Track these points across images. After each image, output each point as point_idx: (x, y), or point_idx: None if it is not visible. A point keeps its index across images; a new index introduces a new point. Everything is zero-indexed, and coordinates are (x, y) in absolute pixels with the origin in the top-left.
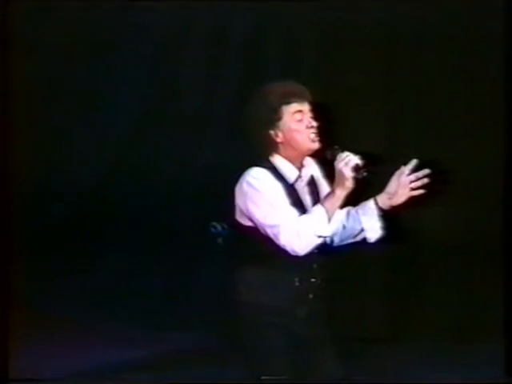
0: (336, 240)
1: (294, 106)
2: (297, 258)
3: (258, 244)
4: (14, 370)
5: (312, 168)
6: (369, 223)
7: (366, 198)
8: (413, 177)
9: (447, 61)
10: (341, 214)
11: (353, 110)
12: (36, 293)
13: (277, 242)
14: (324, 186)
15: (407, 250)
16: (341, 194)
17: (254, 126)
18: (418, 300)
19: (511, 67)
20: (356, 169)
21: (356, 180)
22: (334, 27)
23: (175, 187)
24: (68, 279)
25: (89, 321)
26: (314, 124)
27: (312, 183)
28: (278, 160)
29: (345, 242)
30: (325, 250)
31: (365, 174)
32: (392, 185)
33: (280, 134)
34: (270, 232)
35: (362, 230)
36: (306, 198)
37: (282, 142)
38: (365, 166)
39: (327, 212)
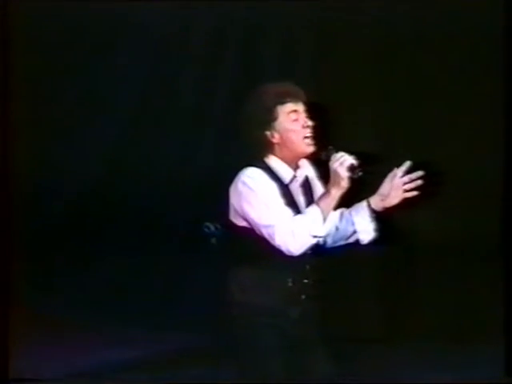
0: (329, 241)
1: (289, 106)
2: (290, 258)
3: (251, 244)
4: (14, 370)
5: (307, 169)
6: (361, 225)
7: (361, 199)
8: (406, 178)
9: (446, 61)
10: (334, 216)
11: (349, 110)
12: (36, 293)
13: (272, 242)
14: (318, 187)
15: (402, 251)
16: (336, 193)
17: (250, 126)
18: (413, 301)
19: (511, 67)
20: (351, 169)
21: (351, 180)
22: (330, 27)
23: (169, 187)
24: (68, 279)
25: (89, 321)
26: (310, 124)
27: (307, 184)
28: (273, 161)
29: (337, 244)
30: (318, 251)
31: (360, 173)
32: (385, 186)
33: (276, 135)
34: (264, 232)
35: (355, 232)
36: (301, 199)
37: (277, 143)
38: (360, 165)
39: (322, 212)
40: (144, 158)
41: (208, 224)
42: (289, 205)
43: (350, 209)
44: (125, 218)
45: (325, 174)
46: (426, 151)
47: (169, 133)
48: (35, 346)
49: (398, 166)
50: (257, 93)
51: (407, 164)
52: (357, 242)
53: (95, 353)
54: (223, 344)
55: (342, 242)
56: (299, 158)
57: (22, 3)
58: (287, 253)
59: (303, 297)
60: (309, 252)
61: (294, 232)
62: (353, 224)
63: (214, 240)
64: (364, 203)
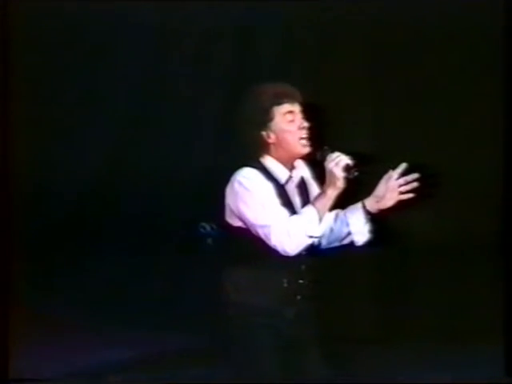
0: (323, 243)
1: (286, 107)
2: (285, 259)
3: (247, 245)
4: (14, 370)
5: (302, 169)
6: (356, 226)
7: (357, 200)
8: (402, 181)
9: (445, 61)
10: (329, 217)
11: (346, 110)
12: (36, 293)
13: (268, 242)
14: (314, 188)
15: (401, 252)
16: (332, 194)
17: (246, 126)
18: (413, 301)
19: (511, 67)
20: (347, 169)
21: (347, 180)
22: (326, 28)
23: (164, 188)
24: (68, 279)
25: (89, 321)
26: (306, 125)
27: (302, 185)
28: (268, 161)
29: (332, 245)
30: (313, 251)
31: (356, 173)
32: (380, 188)
33: (272, 135)
34: (260, 232)
35: (350, 234)
36: (297, 200)
37: (273, 143)
38: (355, 165)
39: (318, 212)
40: (141, 159)
41: (204, 224)
42: (285, 205)
43: (345, 210)
44: (124, 218)
45: (320, 175)
46: (424, 151)
47: (164, 133)
48: (35, 346)
49: (395, 166)
50: (253, 93)
51: (403, 166)
52: (351, 243)
53: (95, 353)
54: (219, 344)
55: (337, 244)
56: (295, 158)
57: (21, 3)
58: (283, 253)
59: (298, 297)
60: (304, 253)
61: (290, 232)
62: (347, 225)
63: (209, 240)
64: (359, 205)
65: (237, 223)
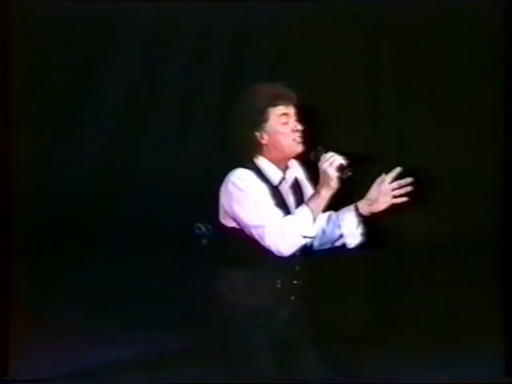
0: (315, 244)
1: (280, 109)
2: (279, 259)
3: (241, 245)
4: (14, 370)
5: (296, 170)
6: (348, 229)
7: (350, 202)
8: (395, 184)
9: (445, 61)
10: (322, 218)
11: (341, 111)
12: (36, 293)
13: (262, 242)
14: (308, 188)
15: (394, 253)
16: (326, 194)
17: (240, 126)
18: (412, 301)
19: (511, 67)
20: (340, 169)
21: (341, 180)
22: (323, 28)
23: (159, 188)
24: (68, 279)
25: (89, 321)
26: (299, 127)
27: (296, 185)
28: (262, 162)
29: (324, 247)
30: (307, 252)
31: (349, 173)
32: (373, 192)
33: (265, 136)
34: (254, 233)
35: (342, 236)
36: (291, 200)
37: (266, 144)
38: (349, 165)
39: (312, 212)
40: (136, 160)
41: (199, 225)
42: (279, 205)
43: (338, 212)
44: (123, 218)
45: (314, 175)
46: (419, 152)
47: (160, 134)
48: (35, 346)
49: (391, 166)
50: (249, 93)
51: (397, 170)
52: (343, 245)
53: (95, 353)
54: (216, 344)
55: (329, 246)
56: (288, 159)
57: (21, 3)
58: (277, 253)
59: (292, 298)
60: (298, 253)
61: (284, 232)
62: (340, 227)
63: (204, 241)
64: (352, 207)
65: (231, 224)
